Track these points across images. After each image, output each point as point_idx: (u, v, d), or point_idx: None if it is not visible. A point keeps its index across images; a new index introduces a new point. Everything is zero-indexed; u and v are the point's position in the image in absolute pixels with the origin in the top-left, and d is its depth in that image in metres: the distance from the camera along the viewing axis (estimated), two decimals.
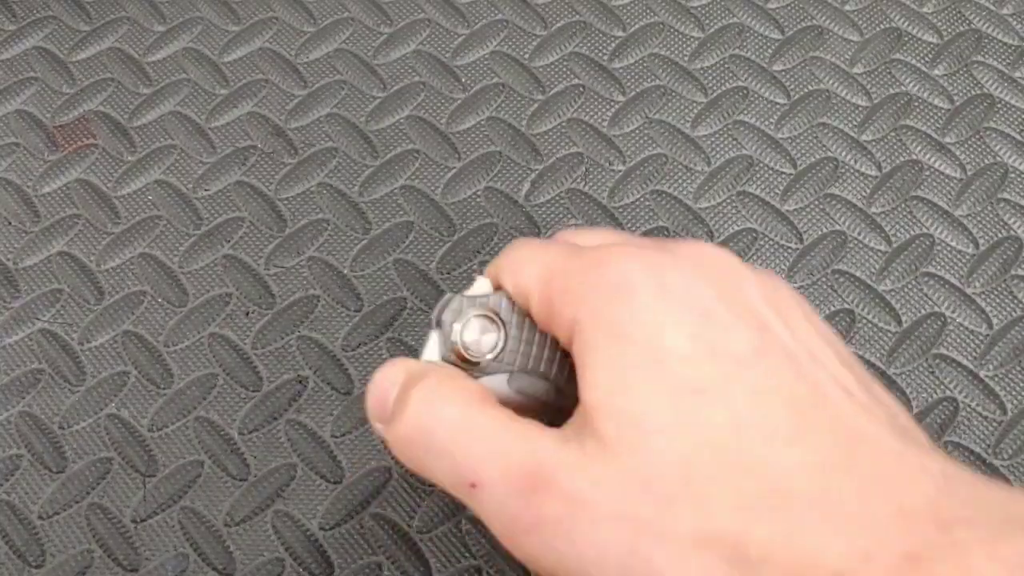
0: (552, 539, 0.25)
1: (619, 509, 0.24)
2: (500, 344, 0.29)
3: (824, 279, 0.42)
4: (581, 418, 0.26)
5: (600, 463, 0.24)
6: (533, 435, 0.26)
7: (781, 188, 0.44)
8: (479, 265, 0.43)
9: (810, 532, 0.23)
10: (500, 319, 0.30)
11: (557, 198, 0.44)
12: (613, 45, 0.48)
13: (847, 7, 0.49)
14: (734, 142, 0.45)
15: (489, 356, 0.29)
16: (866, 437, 0.24)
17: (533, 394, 0.30)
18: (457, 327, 0.29)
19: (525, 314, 0.30)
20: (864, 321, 0.41)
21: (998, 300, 0.42)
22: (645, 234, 0.43)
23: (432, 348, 0.30)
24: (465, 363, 0.29)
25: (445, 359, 0.30)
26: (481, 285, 0.30)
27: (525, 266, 0.29)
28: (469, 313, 0.30)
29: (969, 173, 0.44)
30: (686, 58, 0.47)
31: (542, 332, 0.30)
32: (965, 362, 0.41)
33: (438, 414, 0.27)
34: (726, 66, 0.47)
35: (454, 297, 0.30)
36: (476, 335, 0.29)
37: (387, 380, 0.29)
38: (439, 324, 0.30)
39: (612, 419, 0.25)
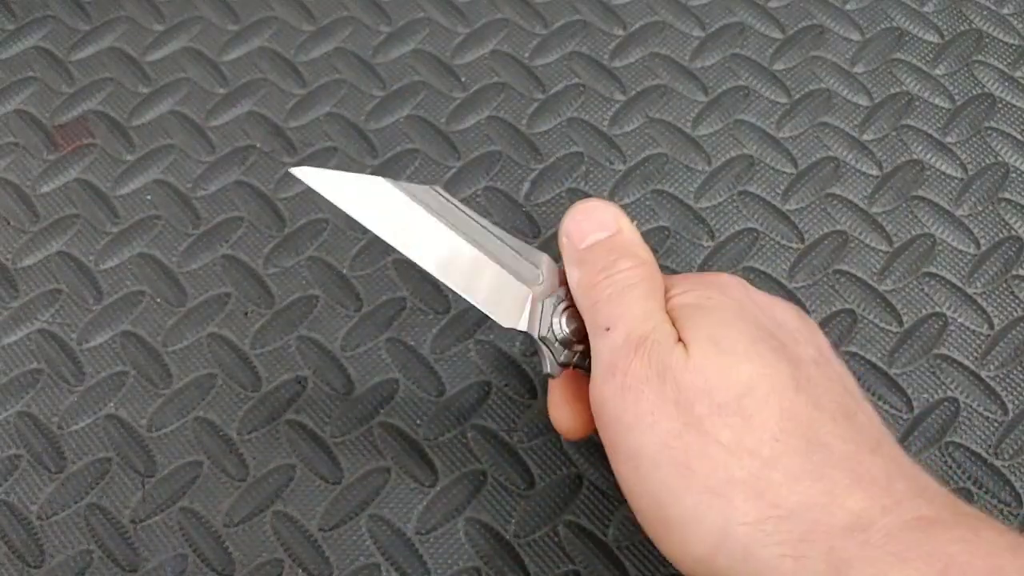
0: (626, 391, 0.30)
1: (681, 396, 0.29)
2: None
3: (825, 279, 0.42)
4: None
5: (680, 358, 0.30)
6: (655, 321, 0.31)
7: (782, 188, 0.44)
8: None
9: (840, 485, 0.28)
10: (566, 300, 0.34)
11: (557, 198, 0.44)
12: (613, 44, 0.48)
13: (848, 7, 0.48)
14: (735, 141, 0.45)
15: (576, 341, 0.33)
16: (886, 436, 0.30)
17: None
18: (554, 314, 0.34)
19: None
20: (865, 321, 0.41)
21: (999, 300, 0.42)
22: (645, 234, 0.43)
23: (529, 322, 0.33)
24: (555, 346, 0.33)
25: (539, 337, 0.33)
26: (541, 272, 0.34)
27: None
28: (566, 301, 0.34)
29: (970, 173, 0.44)
30: (687, 57, 0.47)
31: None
32: (966, 362, 0.40)
33: (608, 272, 0.32)
34: (727, 65, 0.47)
35: (563, 287, 0.34)
36: (569, 322, 0.33)
37: (594, 221, 0.34)
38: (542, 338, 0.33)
39: (700, 334, 0.30)
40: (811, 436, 0.29)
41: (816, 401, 0.29)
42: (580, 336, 0.33)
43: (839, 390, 0.31)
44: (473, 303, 0.33)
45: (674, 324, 0.31)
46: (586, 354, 0.33)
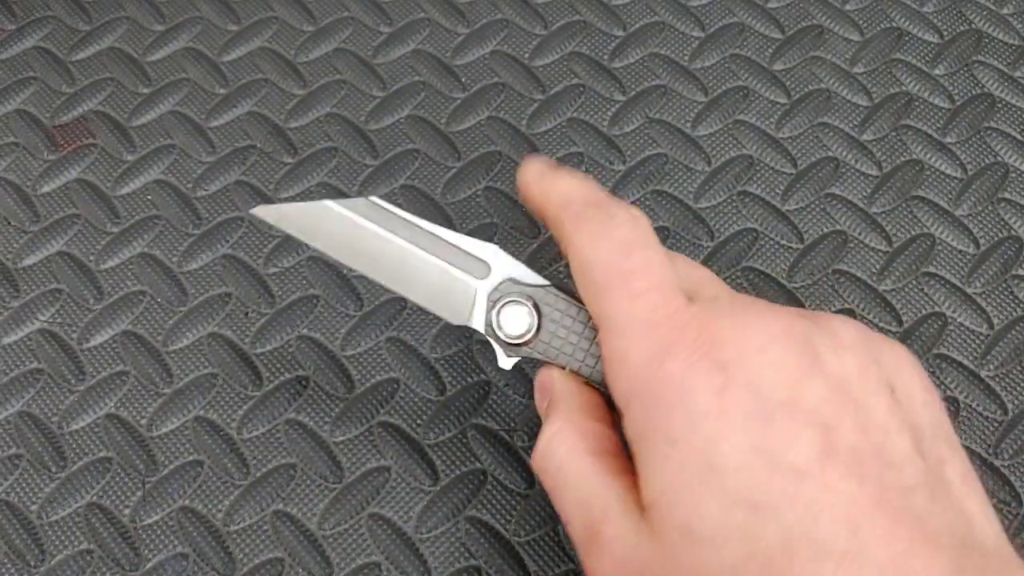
0: None
1: None
2: (531, 333, 0.32)
3: (825, 279, 0.42)
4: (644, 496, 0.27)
5: (650, 551, 0.26)
6: (609, 497, 0.27)
7: (782, 188, 0.44)
8: None
9: None
10: (537, 310, 0.32)
11: None
12: (613, 44, 0.48)
13: (848, 7, 0.48)
14: (734, 142, 0.45)
15: (516, 341, 0.32)
16: (918, 556, 0.23)
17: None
18: (494, 310, 0.33)
19: (578, 308, 0.32)
20: (864, 321, 0.41)
21: (999, 300, 0.42)
22: None
23: (479, 318, 0.33)
24: (501, 342, 0.33)
25: (486, 332, 0.33)
26: (528, 275, 0.33)
27: (602, 295, 0.29)
28: (508, 298, 0.33)
29: (970, 173, 0.44)
30: (686, 57, 0.47)
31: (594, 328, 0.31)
32: (966, 362, 0.40)
33: (556, 452, 0.29)
34: (726, 65, 0.47)
35: (505, 281, 0.33)
36: (508, 319, 0.33)
37: (539, 392, 0.32)
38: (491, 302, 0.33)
39: (667, 520, 0.25)
40: None
41: (817, 550, 0.24)
42: (524, 333, 0.33)
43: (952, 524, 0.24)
44: (423, 305, 0.33)
45: (630, 442, 0.28)
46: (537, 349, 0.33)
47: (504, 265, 0.33)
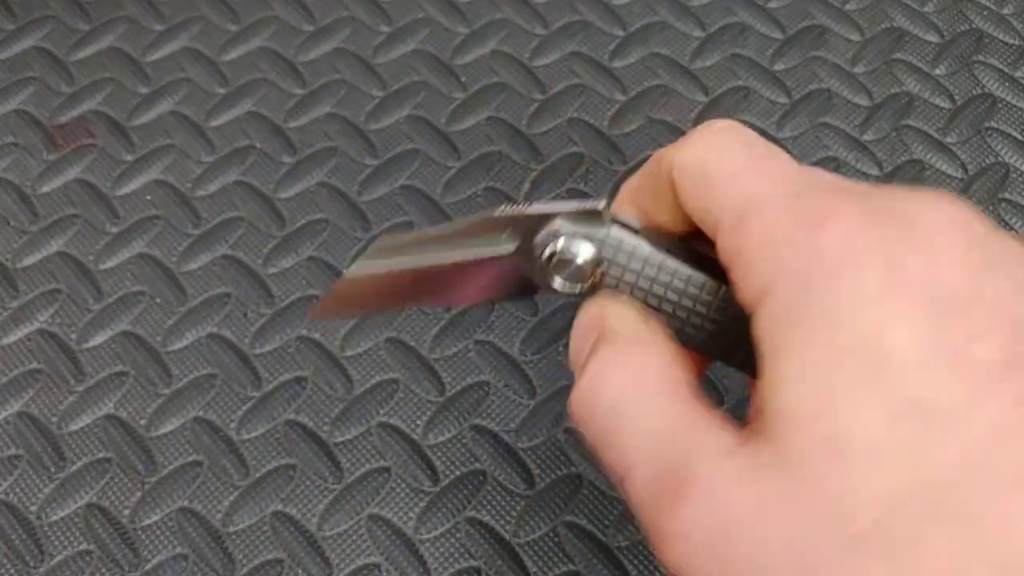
0: (697, 559, 0.20)
1: (786, 544, 0.19)
2: (585, 285, 0.26)
3: None
4: (761, 419, 0.20)
5: (775, 481, 0.19)
6: (696, 432, 0.21)
7: None
8: None
9: None
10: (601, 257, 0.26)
11: (557, 198, 0.44)
12: (614, 44, 0.48)
13: (848, 7, 0.48)
14: None
15: (570, 289, 0.26)
16: None
17: None
18: (552, 244, 0.26)
19: (661, 245, 0.26)
20: None
21: None
22: None
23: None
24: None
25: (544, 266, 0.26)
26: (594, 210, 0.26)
27: (723, 185, 0.23)
28: (572, 238, 0.26)
29: (970, 173, 0.44)
30: (687, 57, 0.47)
31: (681, 267, 0.25)
32: None
33: (607, 387, 0.23)
34: (727, 66, 0.47)
35: (566, 224, 0.26)
36: (566, 264, 0.26)
37: (581, 331, 0.25)
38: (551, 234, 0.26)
39: (805, 433, 0.19)
40: (1000, 552, 0.18)
41: (1005, 478, 0.19)
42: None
43: None
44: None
45: (761, 337, 0.21)
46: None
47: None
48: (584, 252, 0.26)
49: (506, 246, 0.26)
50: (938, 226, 0.21)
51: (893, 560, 0.18)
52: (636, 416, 0.22)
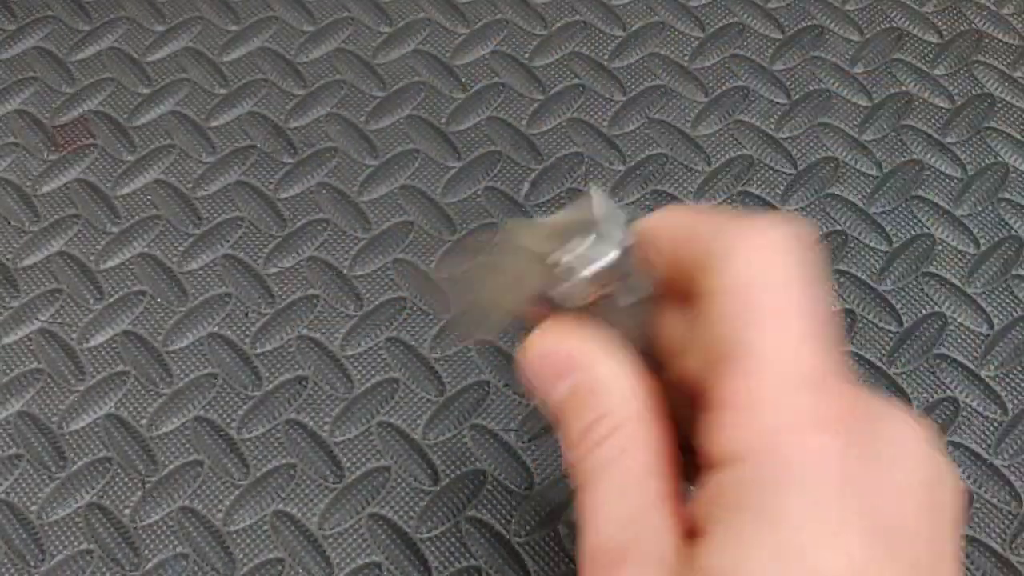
0: None
1: None
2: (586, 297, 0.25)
3: (825, 279, 0.42)
4: (698, 562, 0.22)
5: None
6: (645, 523, 0.23)
7: (781, 188, 0.44)
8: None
9: None
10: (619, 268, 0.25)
11: (557, 198, 0.44)
12: (613, 45, 0.48)
13: (847, 7, 0.48)
14: (734, 142, 0.45)
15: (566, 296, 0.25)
16: None
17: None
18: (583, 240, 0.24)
19: (651, 292, 0.26)
20: (865, 321, 0.41)
21: (999, 300, 0.42)
22: None
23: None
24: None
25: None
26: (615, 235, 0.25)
27: (758, 331, 0.23)
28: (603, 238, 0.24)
29: (970, 173, 0.44)
30: (686, 58, 0.47)
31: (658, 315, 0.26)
32: (966, 362, 0.40)
33: (605, 480, 0.24)
34: (726, 66, 0.47)
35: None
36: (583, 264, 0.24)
37: (555, 367, 0.25)
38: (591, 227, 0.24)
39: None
40: None
41: None
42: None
43: None
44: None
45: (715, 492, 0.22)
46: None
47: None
48: (610, 256, 0.24)
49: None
50: (901, 460, 0.23)
51: None
52: (606, 483, 0.23)
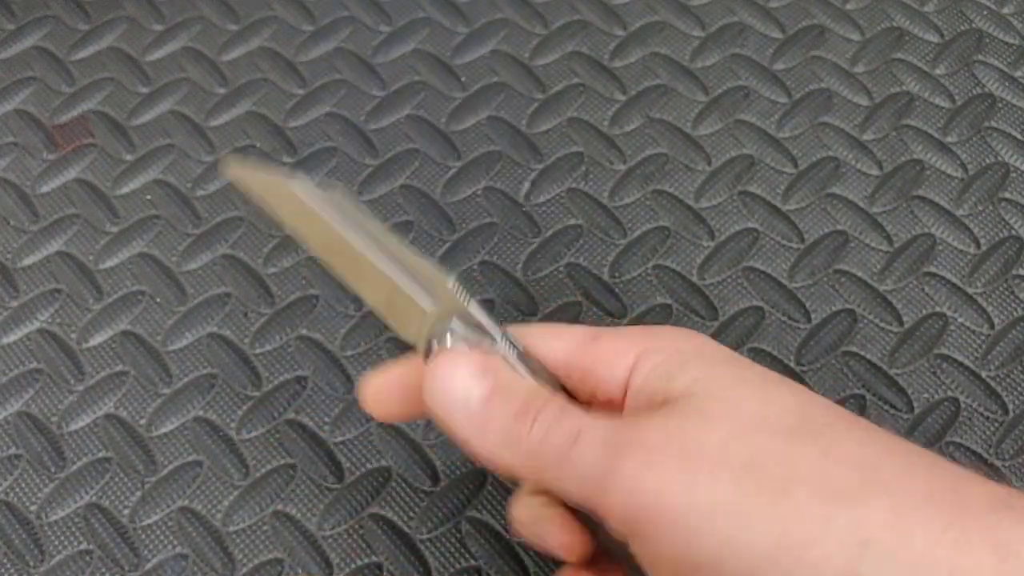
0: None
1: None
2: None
3: (825, 279, 0.42)
4: None
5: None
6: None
7: (782, 187, 0.44)
8: (479, 265, 0.42)
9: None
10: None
11: (557, 198, 0.44)
12: (614, 44, 0.48)
13: (848, 6, 0.48)
14: (735, 141, 0.45)
15: None
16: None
17: None
18: (438, 340, 0.29)
19: (532, 366, 0.29)
20: (865, 321, 0.41)
21: (999, 300, 0.42)
22: (645, 234, 0.43)
23: (422, 343, 0.30)
24: None
25: (424, 359, 0.29)
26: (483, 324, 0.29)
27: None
28: (455, 332, 0.29)
29: (970, 172, 0.44)
30: (687, 57, 0.47)
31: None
32: (967, 362, 0.40)
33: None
34: (727, 65, 0.47)
35: (456, 318, 0.29)
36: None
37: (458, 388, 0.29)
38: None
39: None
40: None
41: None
42: None
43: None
44: (371, 307, 0.30)
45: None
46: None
47: (450, 295, 0.30)
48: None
49: (430, 303, 0.29)
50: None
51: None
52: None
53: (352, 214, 0.31)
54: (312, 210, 0.31)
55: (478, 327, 0.29)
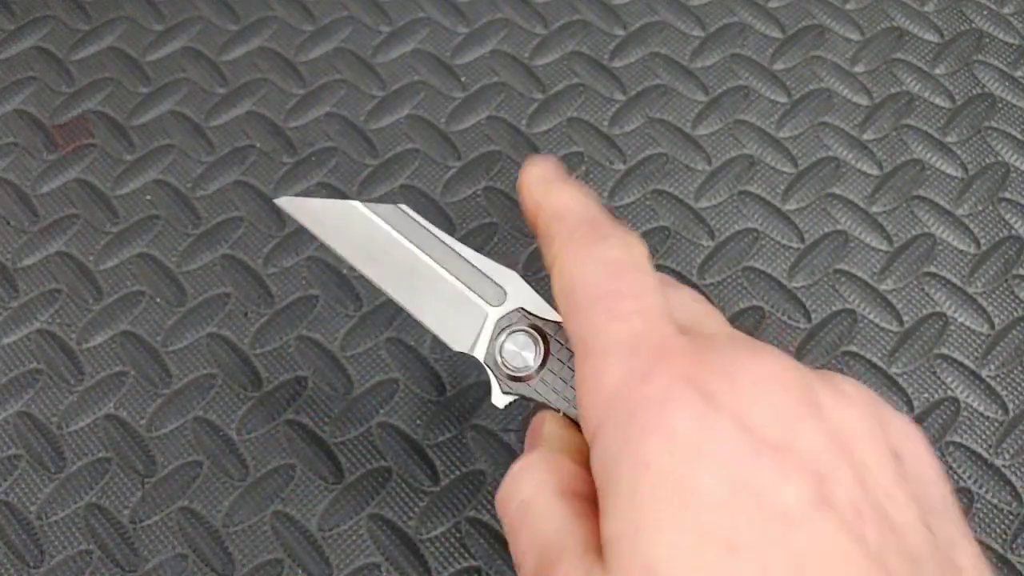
0: None
1: None
2: (532, 368, 0.30)
3: (825, 279, 0.42)
4: (603, 541, 0.24)
5: None
6: (569, 539, 0.24)
7: (782, 188, 0.44)
8: None
9: None
10: (545, 346, 0.30)
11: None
12: (613, 44, 0.48)
13: (848, 6, 0.48)
14: (735, 141, 0.45)
15: (516, 374, 0.30)
16: None
17: None
18: (499, 339, 0.31)
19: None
20: (865, 321, 0.41)
21: (999, 300, 0.42)
22: (645, 234, 0.43)
23: (482, 346, 0.31)
24: (501, 373, 0.31)
25: (485, 361, 0.31)
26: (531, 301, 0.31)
27: (578, 315, 0.27)
28: (516, 327, 0.31)
29: (970, 172, 0.44)
30: (687, 57, 0.47)
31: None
32: (967, 362, 0.40)
33: (519, 486, 0.27)
34: (727, 65, 0.47)
35: (517, 309, 0.31)
36: (512, 350, 0.30)
37: (530, 437, 0.30)
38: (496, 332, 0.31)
39: (626, 558, 0.22)
40: None
41: None
42: (525, 367, 0.30)
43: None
44: (428, 327, 0.32)
45: (594, 473, 0.25)
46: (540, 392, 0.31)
47: (520, 293, 0.31)
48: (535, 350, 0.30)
49: (494, 304, 0.31)
50: (760, 380, 0.23)
51: None
52: (531, 517, 0.26)
53: (409, 229, 0.32)
54: (374, 227, 0.32)
55: (542, 328, 0.31)
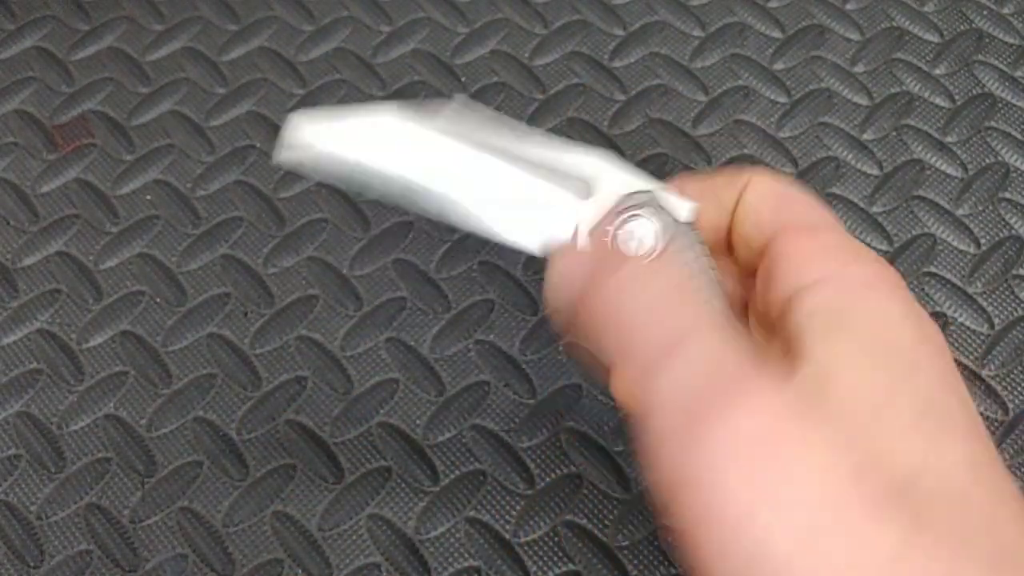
0: (729, 466, 0.22)
1: (820, 485, 0.22)
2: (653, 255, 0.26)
3: None
4: (806, 373, 0.23)
5: (821, 424, 0.22)
6: (747, 351, 0.24)
7: None
8: (479, 265, 0.42)
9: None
10: (662, 228, 0.27)
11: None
12: (613, 44, 0.48)
13: (848, 6, 0.48)
14: (735, 141, 0.45)
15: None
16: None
17: None
18: (612, 226, 0.26)
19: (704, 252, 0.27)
20: None
21: (1000, 300, 0.42)
22: None
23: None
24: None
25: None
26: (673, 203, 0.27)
27: (797, 202, 0.29)
28: (630, 212, 0.27)
29: (970, 172, 0.44)
30: (687, 57, 0.47)
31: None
32: (967, 362, 0.40)
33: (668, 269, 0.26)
34: (727, 65, 0.47)
35: (658, 193, 0.27)
36: (628, 237, 0.27)
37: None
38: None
39: (857, 402, 0.23)
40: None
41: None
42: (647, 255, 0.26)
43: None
44: (489, 231, 0.27)
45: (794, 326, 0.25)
46: None
47: (608, 175, 0.27)
48: (658, 230, 0.27)
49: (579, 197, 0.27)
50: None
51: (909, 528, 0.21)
52: (646, 276, 0.25)
53: (469, 123, 0.28)
54: (419, 133, 0.27)
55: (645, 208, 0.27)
